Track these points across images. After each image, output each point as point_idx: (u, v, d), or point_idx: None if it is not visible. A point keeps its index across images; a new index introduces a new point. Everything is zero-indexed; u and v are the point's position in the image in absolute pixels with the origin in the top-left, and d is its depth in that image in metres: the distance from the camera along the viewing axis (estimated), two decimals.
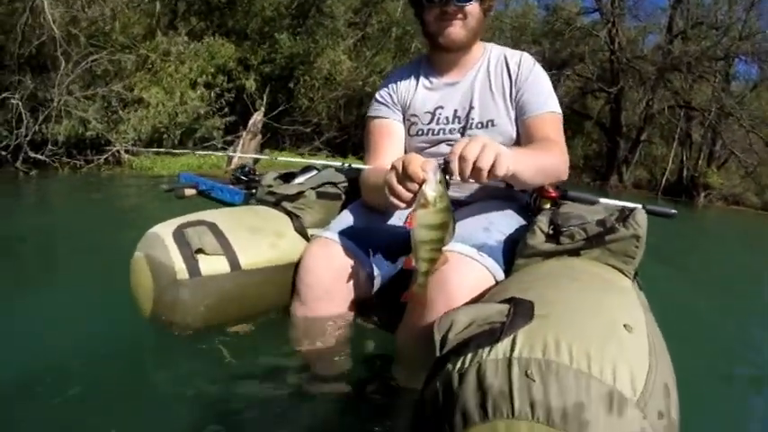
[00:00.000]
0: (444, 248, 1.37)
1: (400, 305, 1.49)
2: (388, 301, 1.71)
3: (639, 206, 1.48)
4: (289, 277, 1.76)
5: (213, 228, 1.72)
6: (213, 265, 1.65)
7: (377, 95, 2.00)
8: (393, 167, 1.33)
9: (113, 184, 8.69)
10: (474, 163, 1.25)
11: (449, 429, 0.84)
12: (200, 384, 1.55)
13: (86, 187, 8.20)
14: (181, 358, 1.71)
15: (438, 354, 0.96)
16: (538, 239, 1.42)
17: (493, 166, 1.25)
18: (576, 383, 0.79)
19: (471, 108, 1.84)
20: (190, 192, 2.49)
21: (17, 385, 1.56)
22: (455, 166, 1.28)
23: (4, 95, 10.10)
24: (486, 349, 0.87)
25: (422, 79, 1.95)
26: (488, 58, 1.91)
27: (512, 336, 0.87)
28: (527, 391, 0.79)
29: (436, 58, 1.93)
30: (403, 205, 1.35)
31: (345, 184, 2.15)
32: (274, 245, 1.81)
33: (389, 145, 1.91)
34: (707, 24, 19.05)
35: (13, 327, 2.03)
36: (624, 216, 1.40)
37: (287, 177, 2.21)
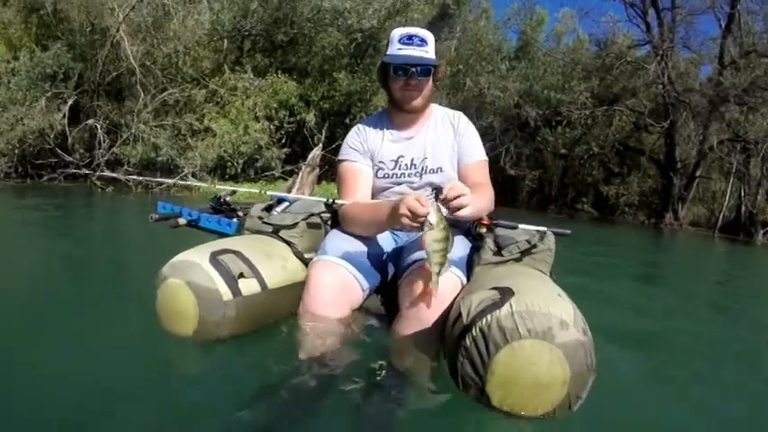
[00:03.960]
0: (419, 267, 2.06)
1: (390, 307, 2.21)
2: (380, 304, 2.29)
3: (548, 230, 2.19)
4: (297, 293, 2.11)
5: (240, 255, 2.01)
6: (249, 286, 1.96)
7: (348, 142, 2.47)
8: (402, 214, 1.86)
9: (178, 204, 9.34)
10: (457, 196, 1.84)
11: (486, 356, 1.50)
12: (224, 385, 1.79)
13: (153, 205, 8.86)
14: (215, 365, 1.96)
15: (465, 321, 1.60)
16: (489, 254, 2.11)
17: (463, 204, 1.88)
18: (546, 318, 1.49)
19: (425, 158, 2.39)
20: (182, 221, 2.53)
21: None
22: (447, 191, 1.89)
23: (86, 120, 11.19)
24: (497, 311, 1.53)
25: (386, 133, 2.46)
26: (435, 117, 2.49)
27: (508, 302, 1.55)
28: (525, 325, 1.48)
29: (396, 116, 2.46)
30: (417, 230, 1.91)
31: (326, 215, 2.51)
32: (284, 267, 2.16)
33: (361, 184, 2.37)
34: (757, 53, 18.42)
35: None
36: (541, 236, 2.14)
37: (268, 208, 2.49)
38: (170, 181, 9.37)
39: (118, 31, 11.43)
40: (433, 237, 1.89)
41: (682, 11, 19.39)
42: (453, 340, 1.61)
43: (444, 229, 1.90)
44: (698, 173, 19.94)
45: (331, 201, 2.44)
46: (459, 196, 1.85)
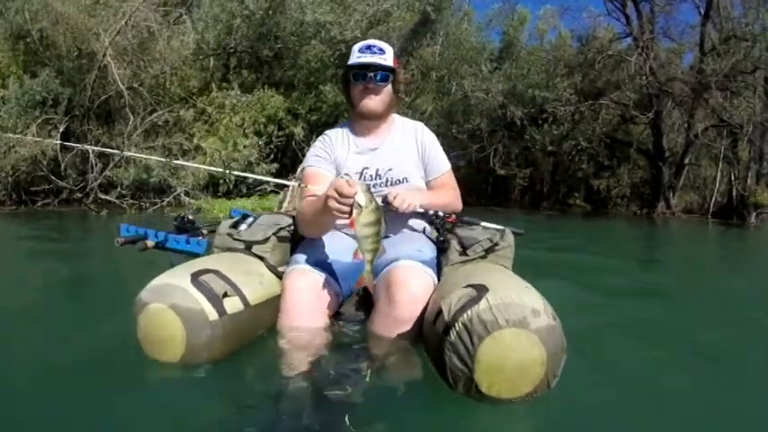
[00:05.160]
0: (401, 264, 2.16)
1: (366, 310, 2.30)
2: (354, 309, 2.38)
3: (507, 229, 2.43)
4: (275, 306, 2.17)
5: (219, 274, 2.00)
6: (233, 304, 1.97)
7: (314, 152, 2.57)
8: (329, 196, 1.91)
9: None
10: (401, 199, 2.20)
11: (471, 348, 1.64)
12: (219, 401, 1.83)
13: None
14: (198, 387, 1.90)
15: (447, 318, 1.73)
16: (455, 254, 2.31)
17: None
18: (520, 309, 1.66)
19: (390, 169, 2.51)
20: (150, 244, 2.48)
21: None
22: (392, 199, 2.21)
23: (74, 144, 11.30)
24: (476, 306, 1.68)
25: (351, 145, 2.55)
26: (397, 127, 2.63)
27: (484, 297, 1.70)
28: (503, 316, 1.64)
29: (359, 125, 2.58)
30: (346, 217, 1.91)
31: (292, 228, 2.51)
32: (261, 283, 2.18)
33: (321, 186, 2.32)
34: (737, 37, 18.48)
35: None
36: (501, 235, 2.37)
37: (235, 225, 2.49)
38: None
39: (104, 55, 11.54)
40: (362, 220, 1.88)
41: (660, 1, 19.50)
42: (437, 337, 1.76)
43: (375, 211, 1.90)
44: (686, 160, 19.94)
45: (299, 183, 2.62)
46: (401, 198, 2.22)
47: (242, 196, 12.31)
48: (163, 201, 11.41)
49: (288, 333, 2.13)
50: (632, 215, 19.86)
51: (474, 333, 1.63)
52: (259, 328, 2.17)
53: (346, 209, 1.90)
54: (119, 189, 11.39)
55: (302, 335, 2.12)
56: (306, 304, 2.16)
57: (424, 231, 2.55)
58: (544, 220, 15.34)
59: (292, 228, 2.54)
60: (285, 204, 9.11)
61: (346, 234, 2.42)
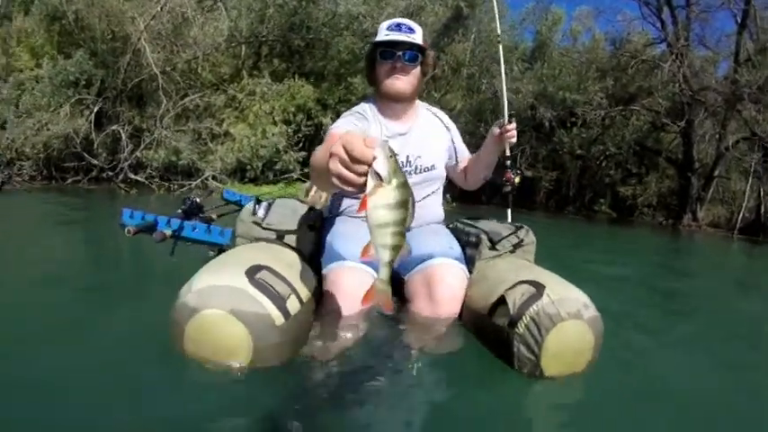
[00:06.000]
0: (440, 261, 2.18)
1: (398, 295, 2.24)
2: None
3: (527, 227, 2.52)
4: (316, 302, 2.03)
5: (272, 271, 1.78)
6: (293, 304, 1.75)
7: (344, 120, 2.34)
8: (334, 154, 1.29)
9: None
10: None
11: (540, 338, 1.81)
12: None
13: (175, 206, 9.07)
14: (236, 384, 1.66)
15: (513, 312, 1.88)
16: (485, 249, 2.37)
17: None
18: (575, 302, 1.89)
19: (419, 156, 2.44)
20: (167, 233, 2.22)
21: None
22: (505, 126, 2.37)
23: (108, 124, 11.48)
24: (539, 301, 1.86)
25: (382, 128, 2.40)
26: (422, 112, 2.56)
27: (545, 293, 1.88)
28: (564, 310, 1.84)
29: (385, 107, 2.45)
30: (354, 191, 1.32)
31: (316, 215, 2.41)
32: (305, 277, 1.99)
33: None
34: None
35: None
36: (526, 231, 2.49)
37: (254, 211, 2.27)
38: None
39: (140, 39, 11.67)
40: (381, 200, 1.29)
41: (696, 8, 19.08)
42: (500, 329, 1.94)
43: (401, 189, 1.30)
44: (716, 173, 19.41)
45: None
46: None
47: (269, 183, 12.34)
48: (191, 183, 11.49)
49: (330, 329, 1.99)
50: (658, 225, 19.40)
51: (542, 325, 1.82)
52: (309, 325, 1.97)
53: (357, 179, 1.28)
54: (148, 170, 11.47)
55: (346, 333, 2.00)
56: (351, 302, 2.02)
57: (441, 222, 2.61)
58: (569, 224, 15.14)
59: (317, 214, 2.46)
60: (312, 192, 9.10)
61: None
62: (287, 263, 1.97)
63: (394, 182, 1.28)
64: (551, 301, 1.85)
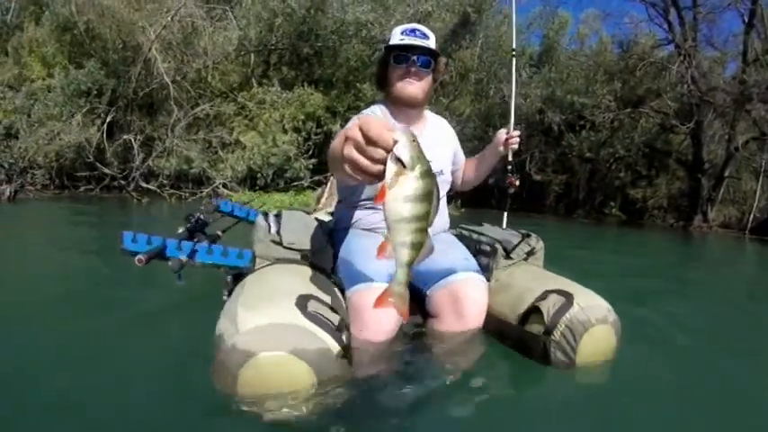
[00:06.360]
0: (464, 276, 2.22)
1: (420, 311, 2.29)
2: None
3: (535, 235, 2.61)
4: None
5: (318, 300, 1.69)
6: (345, 332, 1.64)
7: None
8: (349, 138, 1.18)
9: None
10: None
11: (574, 343, 1.97)
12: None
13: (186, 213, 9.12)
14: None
15: (547, 320, 2.01)
16: (500, 258, 2.47)
17: None
18: (600, 309, 2.06)
19: (430, 161, 2.43)
20: (184, 259, 2.01)
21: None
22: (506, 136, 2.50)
23: (119, 133, 11.59)
24: (571, 310, 2.02)
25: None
26: (429, 117, 2.58)
27: (575, 302, 2.03)
28: (593, 316, 2.02)
29: (397, 111, 2.42)
30: (371, 180, 1.20)
31: (328, 229, 2.35)
32: (338, 299, 1.89)
33: None
34: None
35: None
36: (536, 239, 2.58)
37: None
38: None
39: (150, 49, 11.78)
40: (402, 190, 1.14)
41: (703, 8, 18.98)
42: (538, 336, 2.07)
43: (425, 178, 1.16)
44: (726, 173, 19.25)
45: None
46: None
47: (279, 190, 12.39)
48: (202, 191, 11.58)
49: (364, 352, 1.90)
50: (668, 227, 19.26)
51: (576, 331, 1.99)
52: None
53: (372, 166, 1.15)
54: (160, 179, 11.57)
55: (377, 349, 1.96)
56: (388, 327, 1.98)
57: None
58: (579, 228, 15.09)
59: (328, 228, 2.43)
60: (323, 200, 9.11)
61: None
62: (322, 287, 1.85)
63: (417, 169, 1.13)
64: (581, 309, 2.02)
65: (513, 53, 3.47)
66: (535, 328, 2.08)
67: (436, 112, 2.71)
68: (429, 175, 1.16)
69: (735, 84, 18.35)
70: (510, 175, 2.95)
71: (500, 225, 2.88)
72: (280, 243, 2.06)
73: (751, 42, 18.62)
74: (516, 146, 2.65)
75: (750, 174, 20.37)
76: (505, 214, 3.16)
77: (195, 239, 2.36)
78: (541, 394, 2.03)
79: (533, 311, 2.10)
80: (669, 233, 16.47)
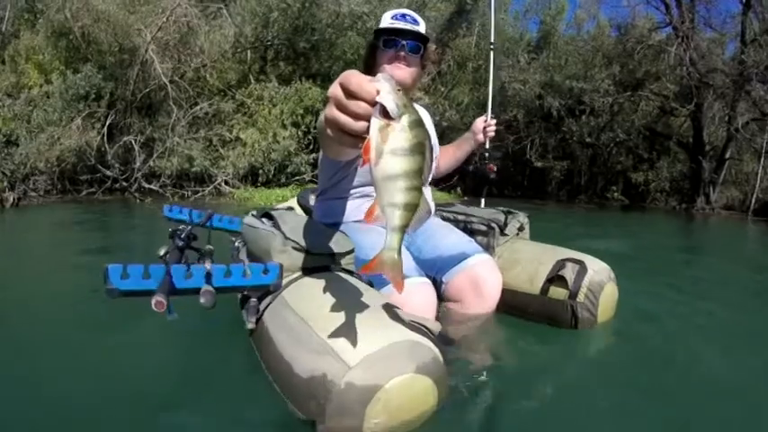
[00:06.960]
0: (478, 259, 2.36)
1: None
2: None
3: (522, 213, 2.87)
4: None
5: (394, 307, 1.56)
6: (437, 332, 1.55)
7: None
8: (330, 96, 1.06)
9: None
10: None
11: (596, 302, 2.36)
12: None
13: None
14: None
15: (571, 286, 2.35)
16: (498, 235, 2.66)
17: None
18: (606, 270, 2.48)
19: None
20: (210, 288, 1.58)
21: None
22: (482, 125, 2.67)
23: (119, 136, 11.60)
24: (587, 274, 2.38)
25: None
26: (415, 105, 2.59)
27: (590, 268, 2.40)
28: (604, 277, 2.43)
29: None
30: (356, 143, 1.03)
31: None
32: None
33: None
34: None
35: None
36: (520, 215, 2.84)
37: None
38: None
39: (147, 51, 11.78)
40: (390, 143, 0.98)
41: None
42: (563, 302, 2.39)
43: (413, 127, 1.00)
44: (727, 155, 19.13)
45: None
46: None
47: (280, 186, 12.41)
48: (204, 190, 11.62)
49: None
50: (671, 210, 19.20)
51: (595, 292, 2.36)
52: None
53: (354, 123, 1.01)
54: (162, 179, 11.59)
55: None
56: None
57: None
58: (582, 213, 15.06)
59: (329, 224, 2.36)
60: None
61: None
62: (374, 293, 1.69)
63: (405, 119, 0.98)
64: (595, 272, 2.39)
65: (492, 47, 3.69)
66: (560, 293, 2.40)
67: (435, 102, 2.74)
68: (419, 124, 1.00)
69: (734, 65, 18.24)
70: (487, 161, 3.11)
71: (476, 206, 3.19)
72: (305, 250, 1.83)
73: (749, 23, 18.48)
74: (493, 133, 2.90)
75: (752, 155, 20.19)
76: (483, 200, 3.43)
77: (185, 260, 1.98)
78: (572, 354, 2.29)
79: (555, 280, 2.41)
80: (672, 216, 16.42)
